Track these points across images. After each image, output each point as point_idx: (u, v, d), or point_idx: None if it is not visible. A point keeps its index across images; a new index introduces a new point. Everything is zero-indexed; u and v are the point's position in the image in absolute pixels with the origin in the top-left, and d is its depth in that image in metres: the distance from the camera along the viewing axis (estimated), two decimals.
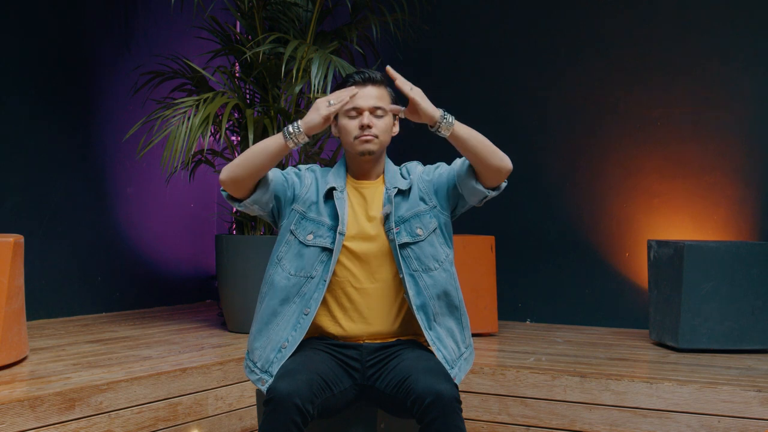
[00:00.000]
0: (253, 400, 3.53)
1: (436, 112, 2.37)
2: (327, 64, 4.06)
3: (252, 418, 3.52)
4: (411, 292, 2.43)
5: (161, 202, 5.41)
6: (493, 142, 2.38)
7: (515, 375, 3.52)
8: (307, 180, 2.52)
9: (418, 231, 2.47)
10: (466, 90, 5.42)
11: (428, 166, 2.61)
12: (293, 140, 2.35)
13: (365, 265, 2.46)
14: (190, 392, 3.27)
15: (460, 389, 2.34)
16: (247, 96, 4.58)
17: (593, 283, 5.07)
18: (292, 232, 2.48)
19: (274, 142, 2.36)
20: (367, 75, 2.51)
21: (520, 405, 3.50)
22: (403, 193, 2.51)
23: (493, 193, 2.43)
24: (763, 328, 4.06)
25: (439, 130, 2.38)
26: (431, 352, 2.47)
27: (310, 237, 2.45)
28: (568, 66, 5.20)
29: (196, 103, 4.20)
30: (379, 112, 2.49)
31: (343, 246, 2.44)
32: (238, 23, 4.88)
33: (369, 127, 2.46)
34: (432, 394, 2.21)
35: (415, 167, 2.60)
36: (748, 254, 4.08)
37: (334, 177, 2.53)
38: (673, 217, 4.88)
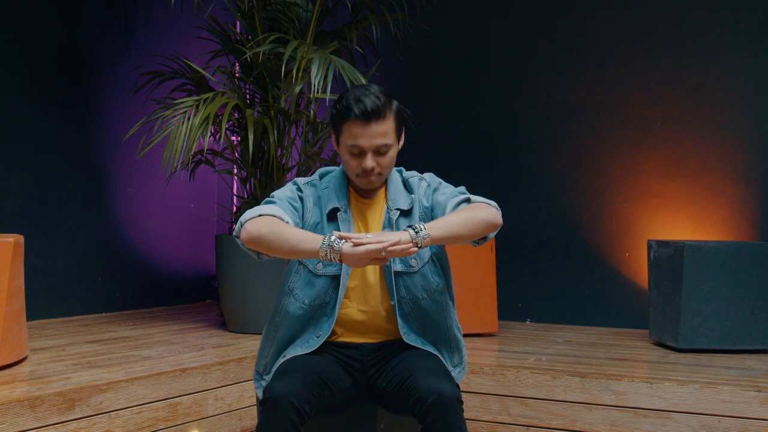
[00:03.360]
0: (253, 400, 3.53)
1: (405, 235, 2.20)
2: (327, 64, 4.05)
3: (252, 418, 3.52)
4: (399, 318, 2.43)
5: (161, 202, 5.41)
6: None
7: (515, 375, 3.52)
8: (309, 201, 2.44)
9: (412, 262, 2.42)
10: (466, 90, 5.42)
11: (431, 182, 2.50)
12: (329, 254, 2.19)
13: (364, 287, 2.44)
14: (190, 392, 3.27)
15: (460, 389, 2.34)
16: (247, 96, 4.58)
17: (593, 283, 5.07)
18: (300, 262, 2.43)
19: (308, 246, 2.21)
20: (369, 110, 2.30)
21: (520, 405, 3.50)
22: (404, 213, 2.44)
23: (484, 242, 2.39)
24: (763, 328, 4.06)
25: (420, 245, 2.21)
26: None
27: (320, 266, 2.42)
28: (568, 66, 5.19)
29: (196, 103, 4.20)
30: (383, 149, 2.36)
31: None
32: (238, 23, 4.87)
33: (372, 169, 2.37)
34: (434, 394, 2.21)
35: (419, 184, 2.49)
36: (748, 254, 4.08)
37: (336, 193, 2.44)
38: (673, 217, 4.88)
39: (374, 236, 2.19)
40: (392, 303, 2.42)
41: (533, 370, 3.52)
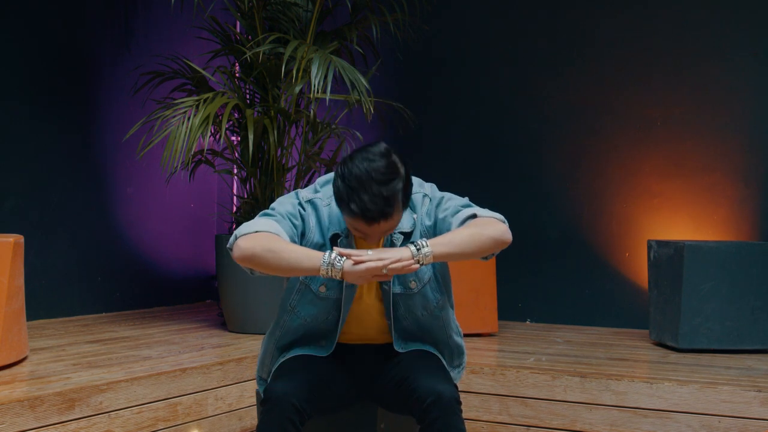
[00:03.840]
0: (253, 400, 3.53)
1: (406, 252, 2.16)
2: (327, 64, 4.05)
3: (252, 418, 3.52)
4: (394, 334, 2.42)
5: (161, 202, 5.41)
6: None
7: (515, 375, 3.52)
8: (311, 220, 2.34)
9: (411, 284, 2.37)
10: (466, 90, 5.42)
11: (433, 197, 2.39)
12: (330, 272, 2.15)
13: (362, 306, 2.42)
14: (189, 392, 3.27)
15: (460, 389, 2.34)
16: (247, 96, 4.58)
17: (593, 283, 5.07)
18: (302, 282, 2.38)
19: (309, 264, 2.16)
20: (373, 216, 2.16)
21: (521, 405, 3.50)
22: (406, 236, 2.35)
23: (491, 257, 2.35)
24: (763, 328, 4.06)
25: (422, 262, 2.17)
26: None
27: (323, 289, 2.36)
28: (568, 66, 5.19)
29: (196, 103, 4.20)
30: (390, 231, 2.27)
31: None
32: (238, 23, 4.87)
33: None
34: (433, 394, 2.21)
35: (422, 201, 2.38)
36: (748, 254, 4.08)
37: (338, 216, 2.32)
38: (673, 217, 4.88)
39: (375, 253, 2.15)
40: (389, 323, 2.41)
41: (533, 370, 3.52)
